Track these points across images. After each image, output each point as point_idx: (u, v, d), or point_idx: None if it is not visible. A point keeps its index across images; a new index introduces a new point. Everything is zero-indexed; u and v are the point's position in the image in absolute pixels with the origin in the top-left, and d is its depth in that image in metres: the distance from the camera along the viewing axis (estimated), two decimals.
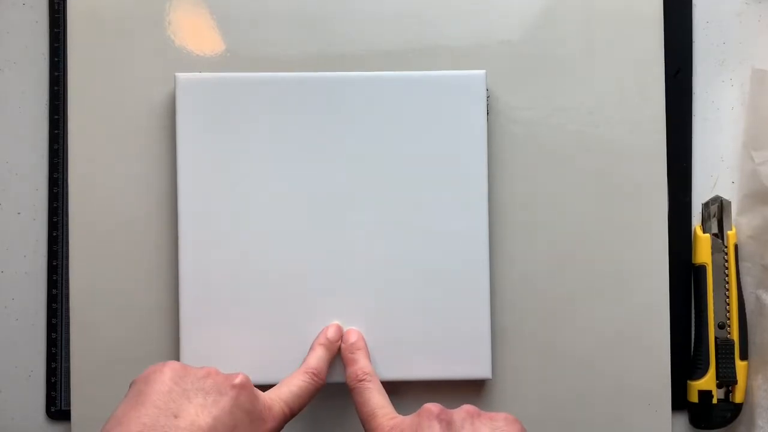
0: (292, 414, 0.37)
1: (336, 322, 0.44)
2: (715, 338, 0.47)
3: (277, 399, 0.37)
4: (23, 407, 0.48)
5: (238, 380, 0.34)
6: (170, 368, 0.33)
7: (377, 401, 0.39)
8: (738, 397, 0.46)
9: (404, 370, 0.44)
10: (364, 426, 0.38)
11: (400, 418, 0.37)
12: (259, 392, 0.36)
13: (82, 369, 0.46)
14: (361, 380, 0.40)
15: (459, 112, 0.45)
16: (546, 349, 0.47)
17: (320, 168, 0.45)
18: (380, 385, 0.40)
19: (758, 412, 0.46)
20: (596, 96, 0.47)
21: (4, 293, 0.48)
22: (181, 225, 0.44)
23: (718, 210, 0.48)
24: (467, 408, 0.35)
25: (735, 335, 0.47)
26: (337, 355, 0.44)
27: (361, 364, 0.42)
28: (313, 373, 0.40)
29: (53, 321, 0.48)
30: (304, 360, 0.42)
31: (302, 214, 0.45)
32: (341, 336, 0.44)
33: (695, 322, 0.48)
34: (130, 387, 0.33)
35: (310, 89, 0.45)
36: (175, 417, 0.31)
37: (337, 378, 0.44)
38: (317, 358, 0.42)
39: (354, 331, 0.44)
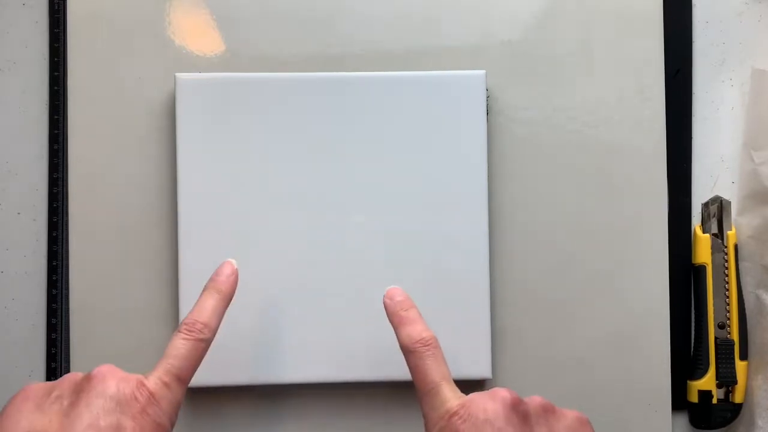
0: (177, 379, 0.34)
1: (230, 260, 0.39)
2: (715, 338, 0.47)
3: (152, 372, 0.33)
4: None
5: (94, 371, 0.32)
6: (23, 392, 0.32)
7: (444, 372, 0.35)
8: (738, 397, 0.46)
9: (405, 369, 0.44)
10: (422, 397, 0.34)
11: (467, 397, 0.33)
12: (126, 375, 0.33)
13: (82, 369, 0.46)
14: (426, 345, 0.36)
15: (459, 112, 0.45)
16: (546, 349, 0.47)
17: (320, 168, 0.45)
18: (442, 351, 0.36)
19: (758, 412, 0.46)
20: (596, 96, 0.47)
21: (4, 293, 0.48)
22: (181, 225, 0.44)
23: (718, 210, 0.48)
24: (541, 401, 0.33)
25: (735, 335, 0.47)
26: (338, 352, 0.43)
27: (421, 326, 0.37)
28: (187, 330, 0.35)
29: (53, 321, 0.48)
30: None
31: (302, 215, 0.45)
32: (234, 273, 0.39)
33: (695, 322, 0.48)
34: None
35: (310, 89, 0.45)
36: None
37: (336, 377, 0.44)
38: (195, 309, 0.36)
39: (398, 289, 0.39)
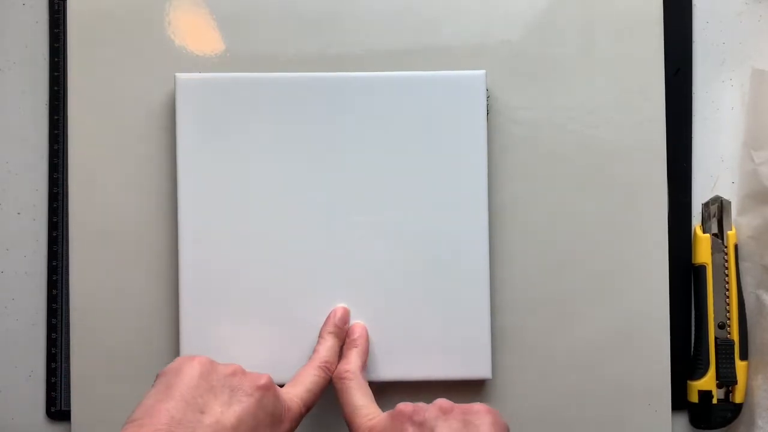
0: (307, 410, 0.38)
1: (345, 306, 0.44)
2: (715, 338, 0.47)
3: (295, 398, 0.37)
4: (23, 407, 0.48)
5: (263, 381, 0.35)
6: (199, 362, 0.34)
7: (357, 400, 0.38)
8: (738, 397, 0.46)
9: (404, 370, 0.44)
10: (346, 423, 0.38)
11: (376, 418, 0.37)
12: (281, 393, 0.36)
13: (82, 369, 0.46)
14: (342, 378, 0.40)
15: (459, 112, 0.45)
16: (546, 349, 0.47)
17: (320, 168, 0.45)
18: (363, 382, 0.40)
19: (758, 412, 0.46)
20: (596, 96, 0.47)
21: (4, 293, 0.48)
22: (181, 225, 0.44)
23: (718, 210, 0.48)
24: (440, 403, 0.35)
25: (735, 335, 0.47)
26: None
27: (349, 360, 0.41)
28: (327, 367, 0.40)
29: (53, 321, 0.48)
30: (315, 350, 0.42)
31: (302, 215, 0.45)
32: (348, 319, 0.44)
33: (695, 322, 0.48)
34: (157, 378, 0.34)
35: (310, 89, 0.45)
36: (202, 413, 0.31)
37: None
38: (327, 349, 0.42)
39: (358, 326, 0.44)
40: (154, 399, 0.31)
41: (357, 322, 0.44)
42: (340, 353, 0.43)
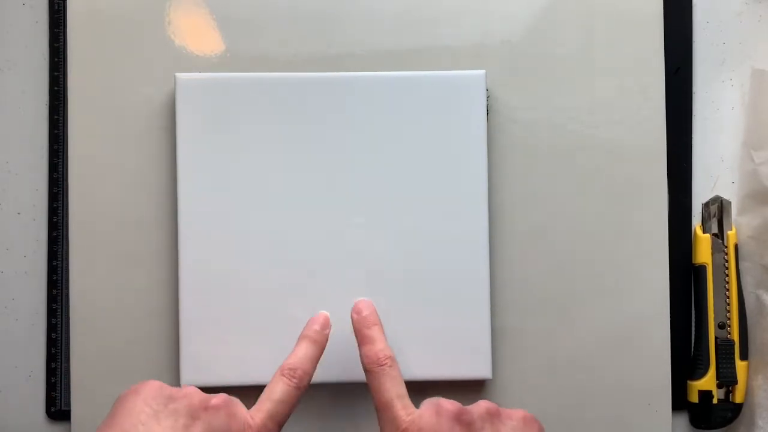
0: (277, 425, 0.35)
1: (325, 311, 0.42)
2: (715, 338, 0.47)
3: (258, 414, 0.35)
4: (23, 407, 0.48)
5: (212, 402, 0.33)
6: (146, 388, 0.33)
7: (397, 390, 0.36)
8: (738, 397, 0.46)
9: (404, 370, 0.44)
10: (378, 413, 0.36)
11: (417, 412, 0.35)
12: (239, 411, 0.34)
13: (82, 369, 0.46)
14: (381, 364, 0.37)
15: (459, 112, 0.45)
16: (546, 349, 0.47)
17: (320, 168, 0.45)
18: (400, 371, 0.38)
19: (758, 412, 0.46)
20: (596, 96, 0.47)
21: (4, 293, 0.48)
22: (181, 225, 0.44)
23: (718, 210, 0.48)
24: (486, 405, 0.35)
25: (735, 335, 0.47)
26: (342, 349, 0.43)
27: (380, 345, 0.38)
28: (290, 375, 0.37)
29: (53, 321, 0.48)
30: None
31: (302, 215, 0.45)
32: (330, 327, 0.41)
33: (695, 322, 0.48)
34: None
35: (310, 89, 0.45)
36: None
37: (338, 378, 0.44)
38: (297, 355, 0.38)
39: (366, 302, 0.41)
40: (99, 430, 0.32)
41: (362, 299, 0.42)
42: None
